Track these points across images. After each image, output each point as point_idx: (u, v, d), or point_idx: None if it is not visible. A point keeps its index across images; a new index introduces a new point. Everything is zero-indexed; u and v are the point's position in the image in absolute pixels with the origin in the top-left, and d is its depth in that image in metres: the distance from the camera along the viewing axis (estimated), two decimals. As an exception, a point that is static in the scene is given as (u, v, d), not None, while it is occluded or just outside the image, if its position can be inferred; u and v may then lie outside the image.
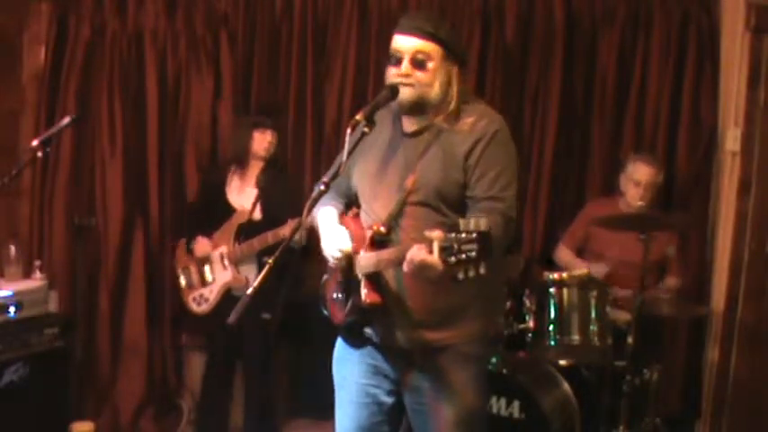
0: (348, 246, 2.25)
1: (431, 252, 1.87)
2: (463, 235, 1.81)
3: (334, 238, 2.29)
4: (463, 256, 1.80)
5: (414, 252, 1.95)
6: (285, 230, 3.44)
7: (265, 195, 3.65)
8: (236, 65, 4.13)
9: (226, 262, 3.68)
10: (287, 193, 3.64)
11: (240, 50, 4.14)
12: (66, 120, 3.12)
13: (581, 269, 3.55)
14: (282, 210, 3.53)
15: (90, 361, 4.07)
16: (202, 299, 3.75)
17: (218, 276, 3.71)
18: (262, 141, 3.66)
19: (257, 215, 3.67)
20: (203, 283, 3.75)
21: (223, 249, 3.69)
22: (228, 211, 3.70)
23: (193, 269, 3.78)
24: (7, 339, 3.44)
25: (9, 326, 3.49)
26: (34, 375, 3.50)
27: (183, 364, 4.31)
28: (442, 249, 1.83)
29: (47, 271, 3.88)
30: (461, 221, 1.83)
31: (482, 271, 1.82)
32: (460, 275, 1.83)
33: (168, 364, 4.25)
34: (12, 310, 3.53)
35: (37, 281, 3.75)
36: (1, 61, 4.06)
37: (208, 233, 3.74)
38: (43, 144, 2.98)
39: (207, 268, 3.73)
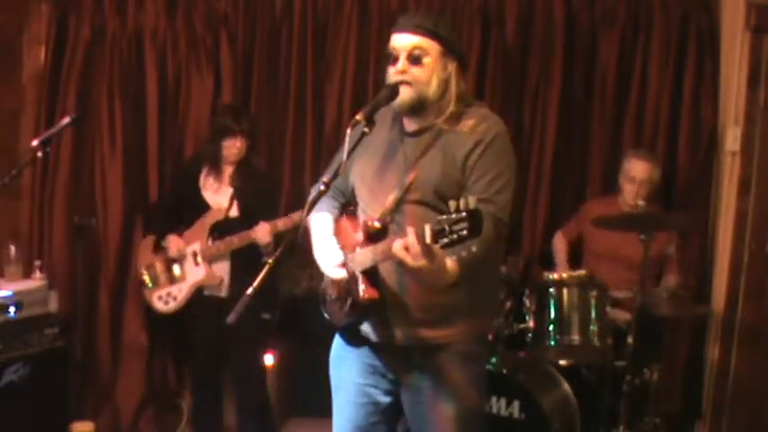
0: (341, 272, 2.26)
1: (423, 238, 1.88)
2: (453, 215, 1.82)
3: (325, 254, 2.31)
4: (455, 236, 1.81)
5: (396, 249, 1.97)
6: (261, 232, 3.48)
7: (241, 193, 3.64)
8: (236, 65, 4.13)
9: (199, 259, 3.67)
10: (262, 191, 3.66)
11: (240, 50, 4.14)
12: (66, 120, 3.13)
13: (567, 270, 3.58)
14: (259, 207, 3.54)
15: (90, 361, 4.06)
16: (170, 297, 3.71)
17: (189, 274, 3.69)
18: (231, 147, 3.62)
19: (234, 212, 3.66)
20: (171, 280, 3.73)
21: (196, 246, 3.67)
22: (203, 207, 3.68)
23: (159, 267, 3.74)
24: (7, 339, 3.45)
25: (9, 326, 3.50)
26: (34, 375, 3.51)
27: (183, 364, 4.31)
28: (435, 233, 1.85)
29: (47, 271, 3.88)
30: (450, 203, 1.84)
31: (474, 249, 1.84)
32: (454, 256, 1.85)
33: (168, 364, 4.25)
34: (12, 310, 3.53)
35: (37, 281, 3.75)
36: (1, 61, 4.07)
37: (178, 230, 3.73)
38: (43, 144, 2.98)
39: (176, 266, 3.71)
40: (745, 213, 3.93)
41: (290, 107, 4.15)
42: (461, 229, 1.81)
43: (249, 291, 2.02)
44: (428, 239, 1.86)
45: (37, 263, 3.83)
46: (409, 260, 1.94)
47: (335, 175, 2.20)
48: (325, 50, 4.14)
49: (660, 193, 3.82)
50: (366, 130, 2.17)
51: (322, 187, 2.17)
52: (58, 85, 4.07)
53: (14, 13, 4.10)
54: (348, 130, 2.15)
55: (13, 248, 3.77)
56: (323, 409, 2.65)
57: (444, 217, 1.83)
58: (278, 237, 3.50)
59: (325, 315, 2.44)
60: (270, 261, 2.06)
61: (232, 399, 3.88)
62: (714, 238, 4.01)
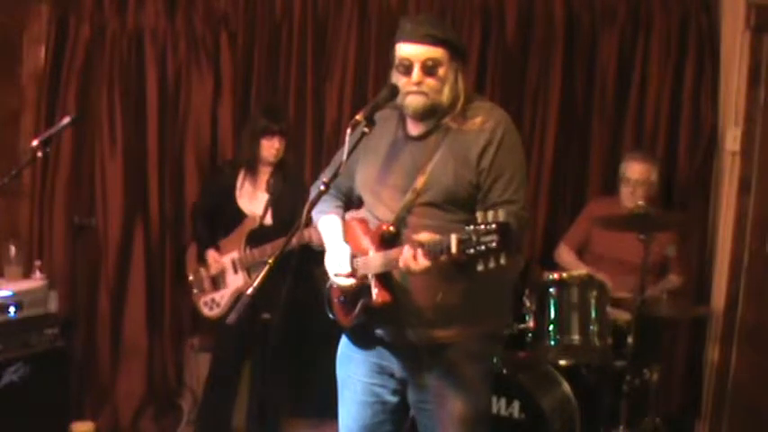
0: (349, 281, 2.27)
1: (446, 250, 1.91)
2: (482, 227, 1.83)
3: (336, 259, 2.30)
4: (483, 247, 1.81)
5: (405, 259, 2.02)
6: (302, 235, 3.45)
7: (276, 201, 3.64)
8: (236, 65, 4.13)
9: (237, 267, 3.68)
10: (298, 198, 3.63)
11: (240, 50, 4.14)
12: (66, 120, 3.12)
13: (581, 270, 3.55)
14: (294, 215, 3.52)
15: (90, 361, 4.07)
16: (214, 303, 3.74)
17: (230, 282, 3.70)
18: (270, 148, 3.62)
19: (268, 220, 3.66)
20: (215, 287, 3.75)
21: (234, 255, 3.68)
22: (239, 216, 3.68)
23: (204, 274, 3.76)
24: (7, 339, 3.44)
25: (9, 326, 3.49)
26: (34, 375, 3.50)
27: (183, 364, 4.31)
28: (461, 242, 1.86)
29: (47, 271, 3.87)
30: (478, 214, 1.85)
31: (502, 261, 1.83)
32: (480, 266, 1.84)
33: (168, 364, 4.25)
34: (12, 310, 3.52)
35: (37, 281, 3.75)
36: (1, 61, 4.06)
37: (216, 239, 3.74)
38: (43, 144, 2.97)
39: (218, 275, 3.73)
40: (745, 213, 3.93)
41: (290, 107, 4.14)
42: (491, 242, 1.81)
43: (249, 291, 2.02)
44: (454, 249, 1.87)
45: (37, 263, 3.82)
46: (414, 267, 2.00)
47: (335, 175, 2.20)
48: (325, 50, 4.14)
49: (660, 193, 3.82)
50: (366, 130, 2.18)
51: (322, 187, 2.18)
52: (58, 84, 4.07)
53: (14, 13, 4.10)
54: (348, 131, 2.15)
55: (13, 248, 3.77)
56: (325, 410, 2.65)
57: (472, 227, 1.84)
58: None
59: (330, 316, 2.44)
60: (270, 261, 2.06)
61: (241, 399, 3.89)
62: (714, 238, 4.01)
